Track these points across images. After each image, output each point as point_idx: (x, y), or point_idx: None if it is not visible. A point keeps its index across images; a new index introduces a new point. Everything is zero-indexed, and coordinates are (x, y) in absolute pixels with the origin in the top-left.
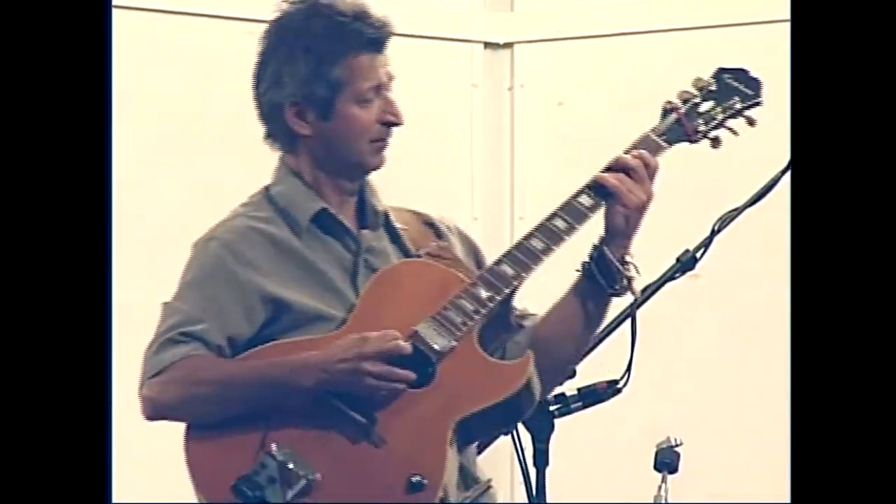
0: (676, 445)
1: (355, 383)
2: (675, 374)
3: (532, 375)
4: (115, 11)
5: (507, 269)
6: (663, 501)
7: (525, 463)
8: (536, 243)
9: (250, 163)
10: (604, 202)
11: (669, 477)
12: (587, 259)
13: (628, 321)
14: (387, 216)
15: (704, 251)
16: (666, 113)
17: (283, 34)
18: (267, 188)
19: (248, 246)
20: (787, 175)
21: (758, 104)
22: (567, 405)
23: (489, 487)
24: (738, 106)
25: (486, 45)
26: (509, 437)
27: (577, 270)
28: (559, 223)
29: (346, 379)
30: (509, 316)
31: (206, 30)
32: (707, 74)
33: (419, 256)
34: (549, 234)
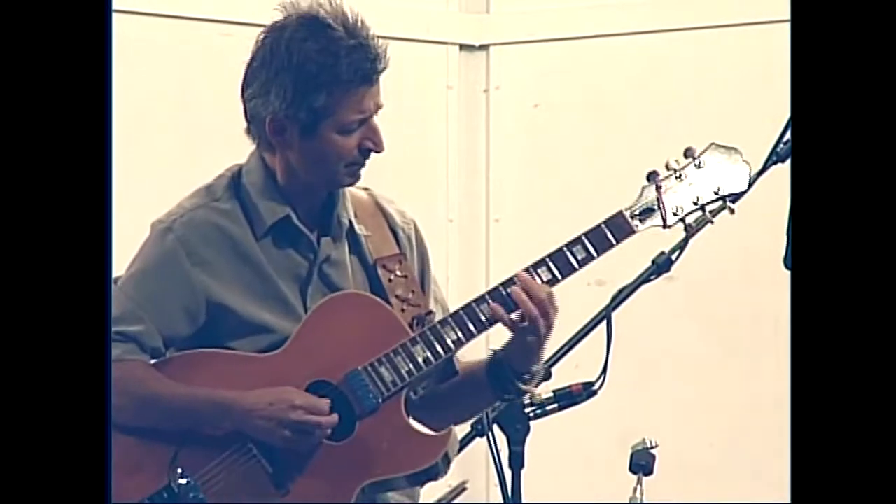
0: (651, 447)
1: (273, 440)
2: (650, 376)
3: (451, 445)
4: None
5: (450, 333)
6: (638, 503)
7: (500, 465)
8: (485, 310)
9: (227, 163)
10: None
11: (644, 479)
12: (490, 360)
13: (604, 323)
14: (351, 224)
15: (680, 253)
16: (645, 188)
17: (277, 48)
18: (239, 172)
19: (204, 244)
20: (762, 178)
21: (742, 193)
22: (542, 407)
23: (464, 489)
24: (721, 192)
25: (462, 47)
26: (484, 439)
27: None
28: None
29: (264, 434)
30: (444, 369)
31: (181, 31)
32: (692, 144)
33: (376, 268)
34: (496, 311)
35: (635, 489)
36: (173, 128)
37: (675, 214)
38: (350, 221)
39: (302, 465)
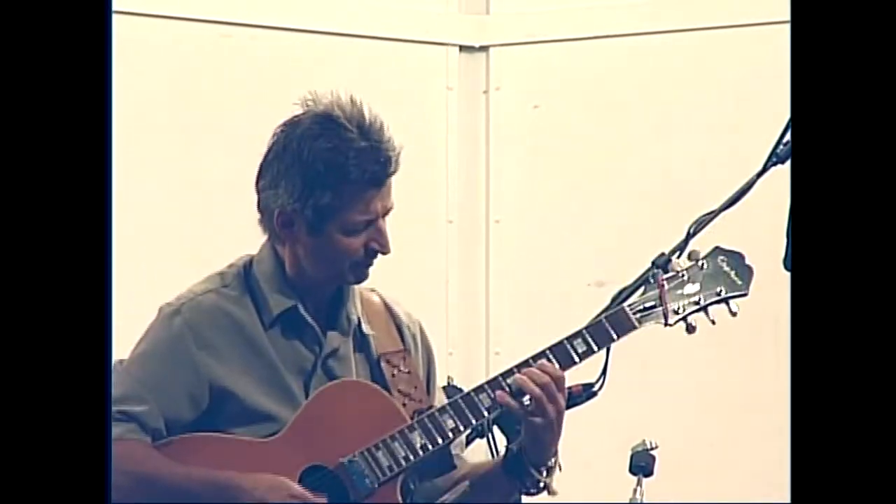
0: (651, 449)
1: None
2: (650, 377)
3: None
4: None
5: (448, 421)
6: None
7: None
8: (484, 399)
9: (228, 165)
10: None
11: (644, 480)
12: (506, 454)
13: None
14: (359, 322)
15: (680, 254)
16: (647, 285)
17: (289, 143)
18: (250, 262)
19: (211, 328)
20: (762, 178)
21: (743, 296)
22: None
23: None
24: (723, 294)
25: (462, 48)
26: (485, 440)
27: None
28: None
29: None
30: (441, 458)
31: (181, 32)
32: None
33: (380, 363)
34: (500, 399)
35: (635, 490)
36: (173, 128)
37: (676, 313)
38: (358, 319)
39: None
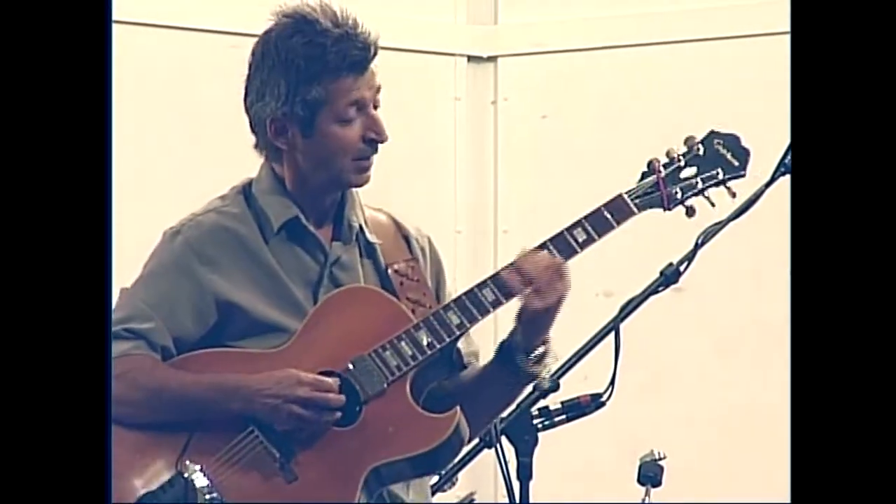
0: (660, 459)
1: (280, 420)
2: (658, 387)
3: (457, 430)
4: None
5: (453, 317)
6: None
7: (509, 476)
8: (488, 294)
9: (236, 175)
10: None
11: (653, 490)
12: (500, 345)
13: (612, 334)
14: (362, 229)
15: (688, 265)
16: (645, 174)
17: (266, 50)
18: (248, 183)
19: (213, 245)
20: (770, 189)
21: (741, 177)
22: (550, 418)
23: (472, 501)
24: (721, 177)
25: (470, 58)
26: (493, 450)
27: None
28: None
29: (272, 414)
30: (451, 358)
31: (190, 43)
32: (692, 128)
33: (388, 272)
34: (503, 285)
35: (644, 500)
36: (182, 139)
37: (674, 197)
38: (361, 226)
39: (309, 451)
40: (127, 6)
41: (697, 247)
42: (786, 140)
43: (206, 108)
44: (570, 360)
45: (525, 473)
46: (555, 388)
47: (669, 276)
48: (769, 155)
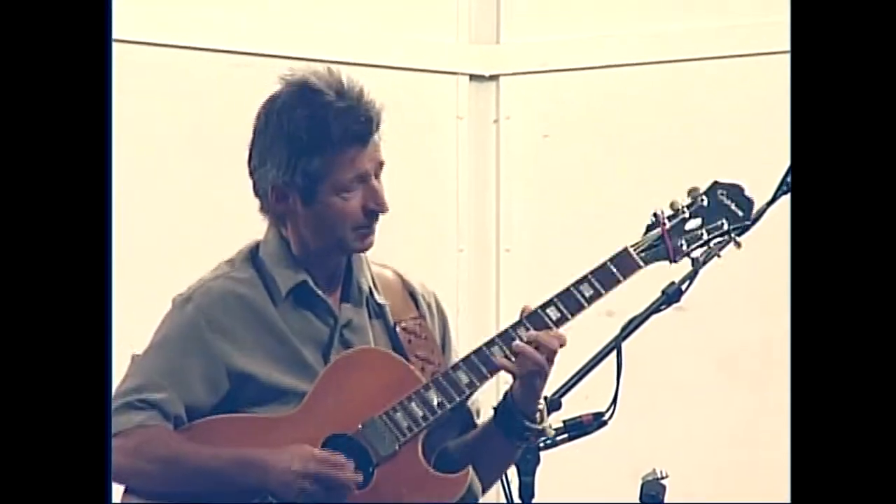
0: (662, 478)
1: (294, 495)
2: (660, 406)
3: (470, 488)
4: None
5: (462, 377)
6: None
7: (511, 496)
8: (496, 351)
9: (241, 195)
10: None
11: None
12: (496, 410)
13: (614, 353)
14: (371, 292)
15: (690, 283)
16: (650, 226)
17: (269, 117)
18: (256, 246)
19: (223, 312)
20: (771, 209)
21: (746, 228)
22: (552, 438)
23: None
24: (726, 227)
25: (472, 77)
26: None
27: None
28: (522, 333)
29: (287, 488)
30: (462, 417)
31: (194, 61)
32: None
33: (397, 330)
34: (511, 343)
35: None
36: (186, 158)
37: (680, 249)
38: (370, 288)
39: None
40: (127, 25)
41: (699, 266)
42: (787, 159)
43: (208, 128)
44: (571, 379)
45: (527, 493)
46: (557, 407)
47: (671, 295)
48: (770, 174)
